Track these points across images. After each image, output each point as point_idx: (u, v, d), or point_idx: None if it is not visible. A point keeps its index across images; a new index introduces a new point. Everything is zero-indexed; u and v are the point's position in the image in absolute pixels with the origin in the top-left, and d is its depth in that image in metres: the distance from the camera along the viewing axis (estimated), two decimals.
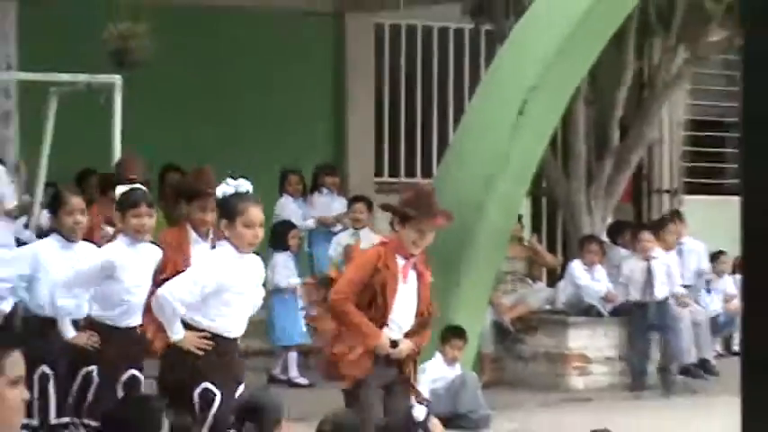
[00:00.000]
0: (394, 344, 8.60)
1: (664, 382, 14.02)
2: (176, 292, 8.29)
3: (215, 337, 8.23)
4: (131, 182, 9.67)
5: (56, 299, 8.69)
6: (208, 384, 8.14)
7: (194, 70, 15.28)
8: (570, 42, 11.89)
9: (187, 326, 8.27)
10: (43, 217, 9.53)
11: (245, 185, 8.39)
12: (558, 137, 14.25)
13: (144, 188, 9.27)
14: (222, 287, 8.21)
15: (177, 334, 8.34)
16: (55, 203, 9.19)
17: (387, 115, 17.74)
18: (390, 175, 17.46)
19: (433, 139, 17.70)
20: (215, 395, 8.12)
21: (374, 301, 8.59)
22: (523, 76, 11.95)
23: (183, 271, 8.54)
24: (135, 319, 8.72)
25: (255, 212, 8.31)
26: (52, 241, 9.04)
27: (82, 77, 12.43)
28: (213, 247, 8.91)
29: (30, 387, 8.34)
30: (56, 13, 14.63)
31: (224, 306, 8.25)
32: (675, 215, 15.88)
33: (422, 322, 8.79)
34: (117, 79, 12.38)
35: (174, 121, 14.74)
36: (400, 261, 8.61)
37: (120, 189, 9.04)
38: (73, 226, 8.93)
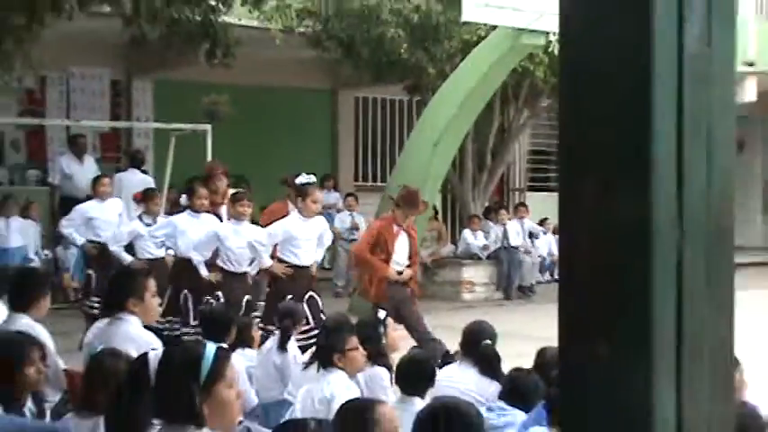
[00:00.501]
0: (400, 273, 8.43)
1: (512, 296, 14.02)
2: (259, 238, 8.14)
3: (294, 266, 8.01)
4: (215, 176, 9.36)
5: (192, 254, 8.34)
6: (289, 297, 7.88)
7: (251, 122, 15.14)
8: (462, 108, 11.89)
9: (279, 260, 8.03)
10: (183, 199, 9.11)
11: (312, 178, 8.17)
12: (456, 160, 14.19)
13: (244, 190, 8.77)
14: (289, 236, 7.94)
15: (266, 262, 8.14)
16: (189, 191, 8.77)
17: (361, 148, 17.63)
18: (363, 181, 17.34)
19: (387, 161, 17.61)
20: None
21: (381, 250, 8.39)
22: (436, 126, 11.94)
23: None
24: (243, 267, 8.27)
25: (318, 194, 8.09)
26: (186, 215, 8.64)
27: (188, 126, 12.29)
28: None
29: (177, 303, 8.23)
30: (174, 86, 14.48)
31: (294, 248, 7.96)
32: (523, 204, 15.89)
33: (414, 260, 8.62)
34: (208, 128, 12.26)
35: (240, 151, 14.56)
36: (395, 227, 8.47)
37: (232, 191, 8.80)
38: (199, 205, 8.62)
